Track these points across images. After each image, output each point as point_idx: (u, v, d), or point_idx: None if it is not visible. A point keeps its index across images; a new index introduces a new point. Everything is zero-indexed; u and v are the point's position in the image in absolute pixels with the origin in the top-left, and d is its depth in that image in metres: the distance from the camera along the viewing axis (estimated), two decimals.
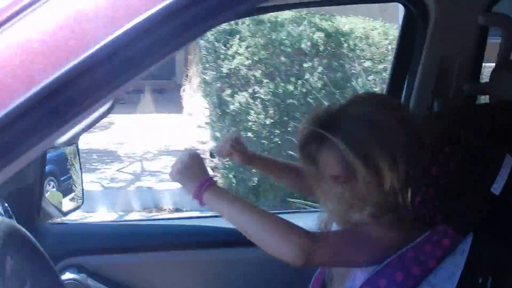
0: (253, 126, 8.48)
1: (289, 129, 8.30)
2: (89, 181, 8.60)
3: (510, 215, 2.21)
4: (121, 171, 9.11)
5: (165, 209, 8.32)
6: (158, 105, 13.05)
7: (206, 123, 9.79)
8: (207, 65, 8.95)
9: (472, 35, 2.88)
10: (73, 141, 2.32)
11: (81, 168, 3.21)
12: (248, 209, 1.97)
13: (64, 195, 3.21)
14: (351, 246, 1.99)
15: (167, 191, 8.37)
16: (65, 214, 3.10)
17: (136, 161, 9.55)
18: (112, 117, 12.42)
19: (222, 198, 1.98)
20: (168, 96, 13.79)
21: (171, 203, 8.42)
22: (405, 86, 3.01)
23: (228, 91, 8.55)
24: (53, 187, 3.42)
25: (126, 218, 8.00)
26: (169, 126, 11.39)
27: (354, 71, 8.34)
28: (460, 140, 2.33)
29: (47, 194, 3.20)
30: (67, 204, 3.19)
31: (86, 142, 10.54)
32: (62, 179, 3.30)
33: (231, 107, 8.50)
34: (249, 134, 8.36)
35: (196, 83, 10.96)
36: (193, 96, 11.28)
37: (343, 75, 8.47)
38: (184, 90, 11.88)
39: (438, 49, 2.90)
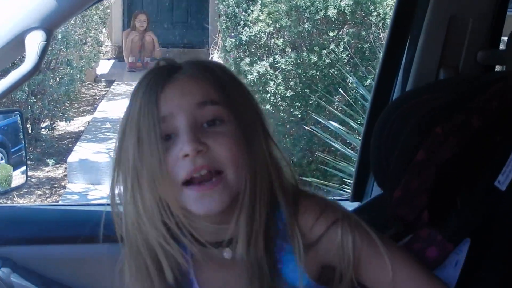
0: (272, 98, 8.06)
1: (310, 102, 7.93)
2: (97, 152, 8.29)
3: None
4: None
5: None
6: None
7: None
8: (226, 32, 8.51)
9: None
10: None
11: (24, 140, 2.81)
12: None
13: (15, 168, 2.81)
14: None
15: None
16: (2, 193, 2.69)
17: None
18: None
19: None
20: None
21: None
22: (405, 52, 2.54)
23: (247, 60, 8.14)
24: (1, 159, 3.07)
25: None
26: None
27: (383, 42, 7.82)
28: (456, 117, 1.81)
29: None
30: (18, 178, 2.79)
31: (102, 110, 10.28)
32: (13, 150, 2.93)
33: (249, 77, 8.04)
34: (268, 107, 7.96)
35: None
36: None
37: (370, 46, 8.01)
38: (212, 59, 11.56)
39: (447, 7, 2.47)
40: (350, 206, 2.50)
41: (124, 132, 1.53)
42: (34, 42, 1.75)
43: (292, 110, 8.08)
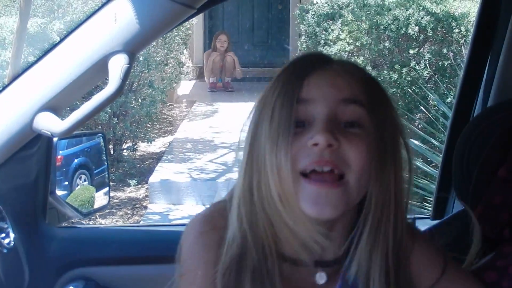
0: None
1: None
2: (178, 172, 8.32)
3: None
4: (213, 162, 8.75)
5: None
6: None
7: None
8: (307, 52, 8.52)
9: None
10: (73, 130, 1.87)
11: (107, 161, 2.83)
12: None
13: (98, 189, 2.83)
14: None
15: None
16: (85, 215, 2.69)
17: (231, 152, 9.21)
18: (217, 105, 12.16)
19: None
20: None
21: None
22: (486, 69, 2.48)
23: None
24: (85, 181, 3.09)
25: None
26: None
27: (464, 59, 7.71)
28: None
29: (77, 188, 2.86)
30: (100, 199, 2.80)
31: (183, 130, 10.34)
32: (96, 171, 2.96)
33: None
34: None
35: None
36: None
37: (451, 63, 7.89)
38: None
39: None
40: (431, 224, 2.44)
41: (260, 113, 1.45)
42: (117, 65, 1.75)
43: None
